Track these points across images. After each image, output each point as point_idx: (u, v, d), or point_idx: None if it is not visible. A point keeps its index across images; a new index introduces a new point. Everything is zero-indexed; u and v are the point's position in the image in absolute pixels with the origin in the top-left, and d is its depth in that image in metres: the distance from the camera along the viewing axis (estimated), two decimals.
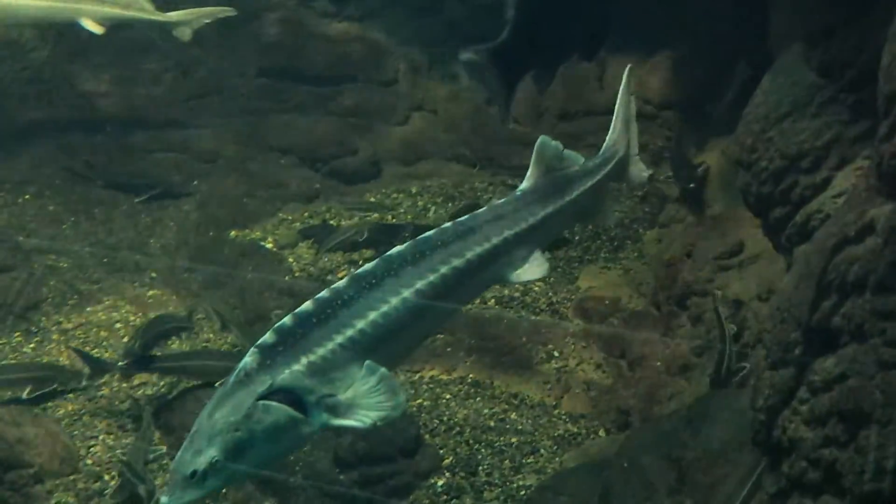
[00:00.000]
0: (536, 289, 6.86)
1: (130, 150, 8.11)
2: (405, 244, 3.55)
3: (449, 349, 6.35)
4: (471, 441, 5.61)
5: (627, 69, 4.40)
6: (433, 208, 7.90)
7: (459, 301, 3.65)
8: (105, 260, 7.10)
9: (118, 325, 6.47)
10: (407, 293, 3.29)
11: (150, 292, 6.93)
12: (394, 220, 7.69)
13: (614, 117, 4.30)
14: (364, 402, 2.83)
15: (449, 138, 8.52)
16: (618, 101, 4.37)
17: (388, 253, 3.47)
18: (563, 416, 5.83)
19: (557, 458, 5.49)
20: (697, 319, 5.95)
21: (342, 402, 2.78)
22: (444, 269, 3.48)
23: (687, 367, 5.70)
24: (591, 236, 7.36)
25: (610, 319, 6.39)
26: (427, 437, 5.51)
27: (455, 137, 8.51)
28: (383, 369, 2.96)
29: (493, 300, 6.65)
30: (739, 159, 4.54)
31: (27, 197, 7.52)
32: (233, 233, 7.50)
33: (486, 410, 5.87)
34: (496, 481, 5.34)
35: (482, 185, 8.13)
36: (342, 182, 8.29)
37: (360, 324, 3.02)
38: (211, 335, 6.40)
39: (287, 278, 6.84)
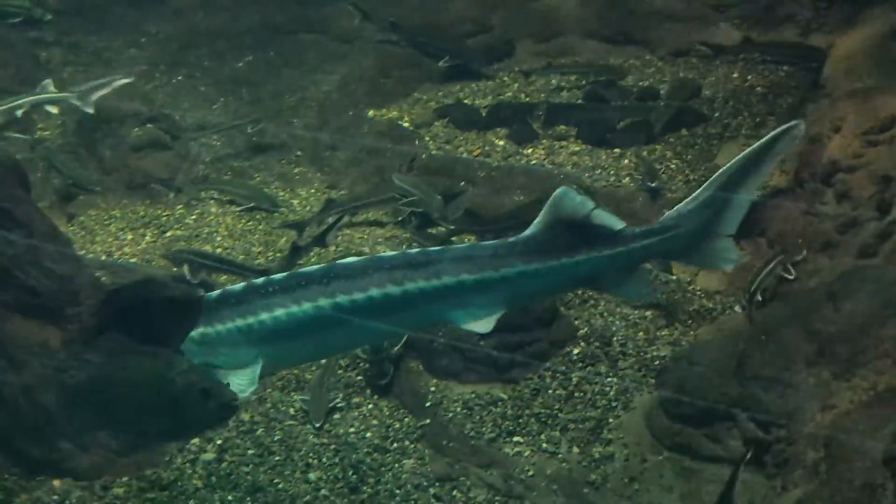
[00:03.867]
0: (673, 166, 6.80)
1: (278, 28, 8.34)
2: (357, 259, 3.53)
3: None
4: (605, 314, 5.75)
5: (785, 129, 3.49)
6: (566, 87, 7.85)
7: (396, 325, 3.63)
8: (254, 139, 7.46)
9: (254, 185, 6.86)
10: (316, 303, 3.39)
11: (296, 169, 7.28)
12: (527, 100, 7.70)
13: (708, 182, 3.50)
14: (231, 377, 3.35)
15: (585, 13, 8.34)
16: (732, 163, 3.50)
17: (340, 262, 3.55)
18: (699, 292, 5.88)
19: (692, 332, 5.58)
20: (843, 196, 5.80)
21: (216, 372, 3.33)
22: (373, 292, 3.44)
23: (829, 245, 5.60)
24: (732, 112, 7.18)
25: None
26: (562, 308, 5.69)
27: (592, 12, 8.31)
28: (255, 365, 3.35)
29: (628, 178, 6.65)
30: None
31: (180, 78, 7.93)
32: (371, 112, 7.71)
33: None
34: (630, 351, 5.50)
35: (617, 62, 7.98)
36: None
37: (263, 315, 3.33)
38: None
39: (424, 157, 7.03)
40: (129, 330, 3.42)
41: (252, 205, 6.68)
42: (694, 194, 3.51)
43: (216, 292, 3.49)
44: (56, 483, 4.77)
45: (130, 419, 3.35)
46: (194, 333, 3.35)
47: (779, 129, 3.54)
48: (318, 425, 4.98)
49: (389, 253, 3.60)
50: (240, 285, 3.51)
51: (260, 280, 3.49)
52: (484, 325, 3.55)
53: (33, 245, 4.82)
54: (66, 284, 4.82)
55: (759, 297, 5.28)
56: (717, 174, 3.50)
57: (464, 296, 3.45)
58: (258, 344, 3.39)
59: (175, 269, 5.98)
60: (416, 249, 3.66)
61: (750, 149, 3.52)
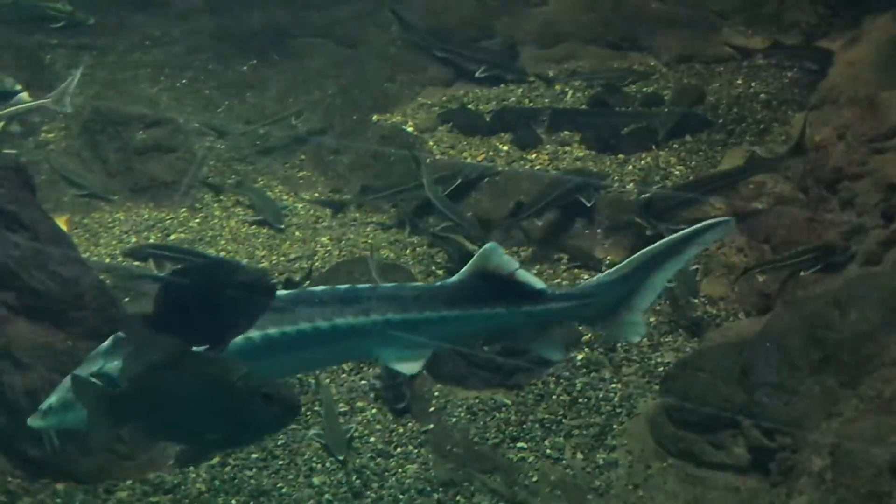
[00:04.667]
0: (677, 172, 6.80)
1: (283, 32, 8.35)
2: (288, 293, 3.61)
3: (587, 231, 6.44)
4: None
5: (715, 223, 3.57)
6: (570, 92, 7.85)
7: (325, 359, 3.79)
8: (258, 142, 7.47)
9: (262, 190, 6.86)
10: (247, 335, 3.49)
11: (300, 173, 7.28)
12: (531, 105, 7.70)
13: (630, 259, 3.59)
14: None
15: (589, 19, 8.34)
16: (656, 245, 3.57)
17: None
18: (702, 298, 5.87)
19: (696, 339, 5.58)
20: (847, 204, 5.80)
21: None
22: (303, 326, 3.53)
23: (834, 251, 5.60)
24: (736, 119, 7.18)
25: (754, 203, 6.29)
26: None
27: (596, 18, 8.32)
28: None
29: (632, 184, 6.65)
30: None
31: (184, 81, 7.93)
32: (375, 117, 7.71)
33: None
34: (634, 357, 5.49)
35: (622, 65, 7.98)
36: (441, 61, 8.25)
37: None
38: None
39: (429, 161, 7.03)
40: (190, 318, 3.33)
41: (260, 217, 6.66)
42: (615, 268, 3.62)
43: None
44: (59, 486, 4.77)
45: (187, 427, 3.33)
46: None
47: (708, 222, 3.63)
48: (341, 458, 4.85)
49: (320, 288, 3.71)
50: None
51: None
52: (410, 366, 3.67)
53: (38, 248, 4.83)
54: (72, 287, 4.85)
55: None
56: (640, 253, 3.60)
57: (390, 335, 3.57)
58: None
59: (139, 265, 5.96)
60: (346, 286, 3.71)
61: (676, 235, 3.60)
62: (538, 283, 3.57)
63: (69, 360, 3.97)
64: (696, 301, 5.67)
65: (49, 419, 3.52)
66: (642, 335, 3.80)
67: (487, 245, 3.61)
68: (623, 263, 3.60)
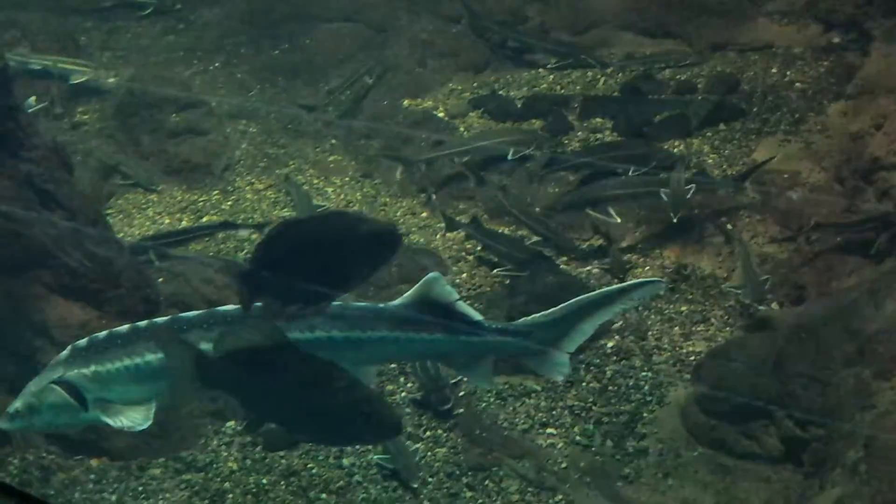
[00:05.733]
0: (710, 161, 6.75)
1: (315, 16, 8.36)
2: (234, 307, 3.71)
3: (619, 219, 6.41)
4: (640, 308, 5.72)
5: (646, 282, 3.88)
6: (603, 79, 7.80)
7: None
8: (289, 126, 7.49)
9: (303, 188, 6.89)
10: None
11: (331, 157, 7.30)
12: (562, 91, 7.66)
13: (564, 304, 3.79)
14: (126, 412, 3.69)
15: (622, 4, 8.27)
16: (590, 294, 3.83)
17: (220, 309, 3.75)
18: (735, 288, 5.83)
19: (728, 328, 5.54)
20: (884, 194, 5.73)
21: (113, 406, 3.68)
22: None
23: (870, 243, 5.54)
24: (770, 108, 7.10)
25: (788, 193, 6.23)
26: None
27: (629, 4, 8.25)
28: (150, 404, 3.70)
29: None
30: None
31: (217, 65, 7.97)
32: (406, 102, 7.70)
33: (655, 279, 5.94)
34: (665, 346, 5.47)
35: (656, 50, 7.91)
36: (511, 51, 8.25)
37: (149, 357, 3.65)
38: None
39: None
40: (304, 268, 3.35)
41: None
42: (549, 311, 3.84)
43: (102, 333, 3.78)
44: (93, 462, 4.84)
45: (280, 415, 3.45)
46: (86, 371, 3.65)
47: (640, 281, 3.99)
48: (415, 485, 4.73)
49: (231, 307, 3.79)
50: (125, 327, 3.76)
51: (144, 323, 3.77)
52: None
53: (75, 227, 4.88)
54: (107, 267, 4.90)
55: None
56: (573, 300, 3.84)
57: (334, 351, 3.69)
58: (148, 382, 3.69)
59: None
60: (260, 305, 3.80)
61: (610, 288, 3.90)
62: (476, 315, 3.78)
63: None
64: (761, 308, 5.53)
65: (16, 422, 3.76)
66: (566, 374, 4.05)
67: (430, 275, 3.79)
68: (556, 308, 3.83)
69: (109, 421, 3.67)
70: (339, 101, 7.59)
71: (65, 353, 3.75)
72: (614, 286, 3.85)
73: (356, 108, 7.56)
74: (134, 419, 3.65)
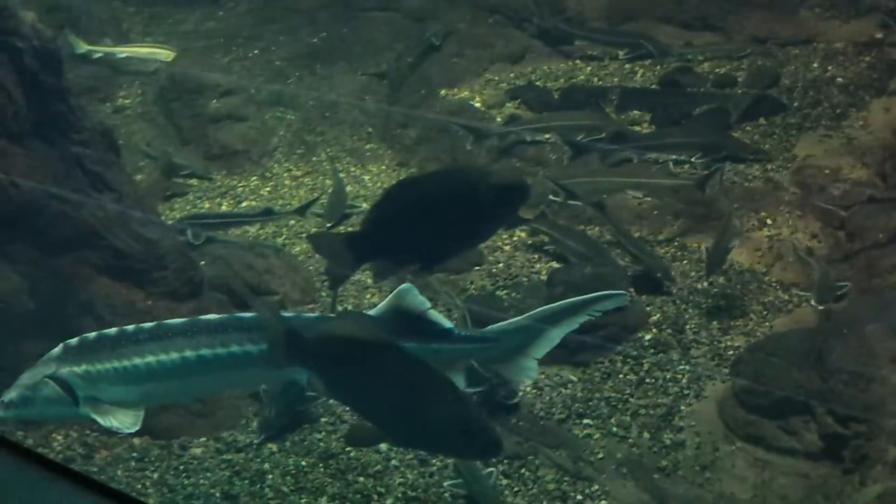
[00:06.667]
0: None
1: (352, 5, 8.39)
2: (181, 321, 3.85)
3: (656, 212, 6.39)
4: (678, 301, 5.71)
5: (610, 294, 3.97)
6: (641, 71, 7.76)
7: (194, 388, 3.97)
8: (327, 114, 7.53)
9: (341, 176, 6.92)
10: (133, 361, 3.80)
11: (367, 146, 7.33)
12: (600, 83, 7.63)
13: (531, 313, 3.90)
14: (116, 413, 3.83)
15: None
16: (556, 304, 3.96)
17: (168, 323, 3.88)
18: (774, 284, 5.80)
19: (767, 323, 5.52)
20: None
21: (103, 406, 3.81)
22: (204, 351, 3.75)
23: None
24: (812, 103, 7.04)
25: (829, 189, 6.18)
26: (634, 293, 5.66)
27: None
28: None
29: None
30: None
31: (256, 52, 8.02)
32: (442, 91, 7.71)
33: (692, 273, 5.93)
34: (703, 339, 5.45)
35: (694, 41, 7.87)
36: (546, 43, 8.23)
37: (137, 360, 3.79)
38: None
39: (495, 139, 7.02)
40: (429, 230, 3.38)
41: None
42: (516, 318, 3.96)
43: (92, 334, 3.90)
44: (135, 441, 4.91)
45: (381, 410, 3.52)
46: (78, 370, 3.77)
47: (604, 293, 3.98)
48: None
49: (213, 316, 3.91)
50: (113, 330, 3.90)
51: (131, 327, 3.89)
52: None
53: (122, 209, 4.95)
54: (153, 248, 4.97)
55: None
56: (539, 309, 3.98)
57: (252, 366, 3.81)
58: (136, 385, 3.82)
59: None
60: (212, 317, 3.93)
61: (575, 299, 3.98)
62: (446, 324, 3.90)
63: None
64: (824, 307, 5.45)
65: (9, 412, 3.89)
66: (533, 378, 4.23)
67: (403, 286, 3.87)
68: (524, 316, 3.95)
69: (99, 419, 3.81)
70: (405, 64, 7.63)
71: (57, 349, 3.87)
72: (580, 297, 3.96)
73: (417, 69, 7.59)
74: (123, 422, 3.79)
